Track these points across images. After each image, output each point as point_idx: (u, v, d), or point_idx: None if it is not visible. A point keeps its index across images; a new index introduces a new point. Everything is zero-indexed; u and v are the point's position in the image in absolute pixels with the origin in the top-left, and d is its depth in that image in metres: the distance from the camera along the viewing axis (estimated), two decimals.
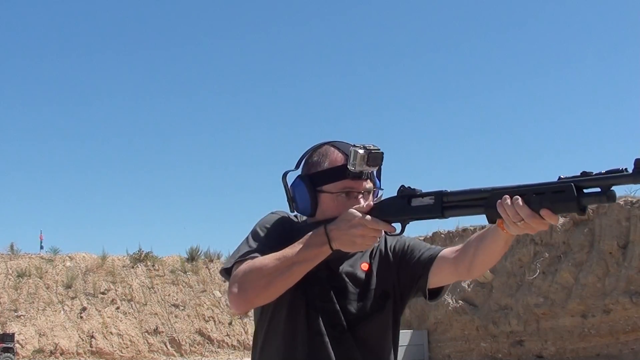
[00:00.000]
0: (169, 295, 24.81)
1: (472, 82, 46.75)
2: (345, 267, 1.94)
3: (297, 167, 1.95)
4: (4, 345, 20.14)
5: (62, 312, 23.25)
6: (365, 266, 1.95)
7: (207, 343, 24.12)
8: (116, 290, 24.31)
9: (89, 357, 22.50)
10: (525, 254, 15.01)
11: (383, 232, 1.80)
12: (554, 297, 14.14)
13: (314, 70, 48.43)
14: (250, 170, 44.25)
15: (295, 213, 1.99)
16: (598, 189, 1.45)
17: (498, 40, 47.12)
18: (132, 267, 25.41)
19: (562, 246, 14.44)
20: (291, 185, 1.93)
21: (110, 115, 43.47)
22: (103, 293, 24.05)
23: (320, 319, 1.87)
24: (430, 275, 1.87)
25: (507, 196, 1.53)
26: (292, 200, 1.93)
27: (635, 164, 1.39)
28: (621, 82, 43.29)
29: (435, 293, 1.94)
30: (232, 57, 46.87)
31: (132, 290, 24.50)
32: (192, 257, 26.35)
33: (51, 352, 22.10)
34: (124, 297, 24.25)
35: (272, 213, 1.99)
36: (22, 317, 22.63)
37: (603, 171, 1.44)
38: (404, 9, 49.77)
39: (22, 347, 21.65)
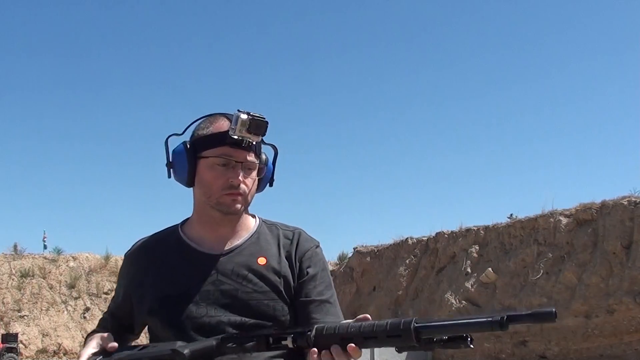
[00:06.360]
0: None
1: (469, 83, 46.72)
2: (239, 269, 1.77)
3: (183, 132, 1.81)
4: (8, 345, 20.17)
5: (65, 312, 23.28)
6: (262, 260, 1.78)
7: None
8: None
9: None
10: (528, 254, 14.98)
11: (285, 232, 1.84)
12: (557, 298, 14.12)
13: (316, 70, 48.42)
14: None
15: (182, 221, 1.88)
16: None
17: (491, 44, 47.10)
18: None
19: (566, 246, 14.41)
20: (173, 151, 1.80)
21: (114, 115, 43.55)
22: (106, 293, 24.07)
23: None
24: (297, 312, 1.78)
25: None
26: (170, 166, 1.81)
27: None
28: (620, 84, 43.22)
29: None
30: (234, 55, 46.88)
31: None
32: None
33: (54, 352, 22.13)
34: None
35: (126, 254, 1.92)
36: (25, 317, 22.66)
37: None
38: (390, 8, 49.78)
39: (26, 347, 21.69)
